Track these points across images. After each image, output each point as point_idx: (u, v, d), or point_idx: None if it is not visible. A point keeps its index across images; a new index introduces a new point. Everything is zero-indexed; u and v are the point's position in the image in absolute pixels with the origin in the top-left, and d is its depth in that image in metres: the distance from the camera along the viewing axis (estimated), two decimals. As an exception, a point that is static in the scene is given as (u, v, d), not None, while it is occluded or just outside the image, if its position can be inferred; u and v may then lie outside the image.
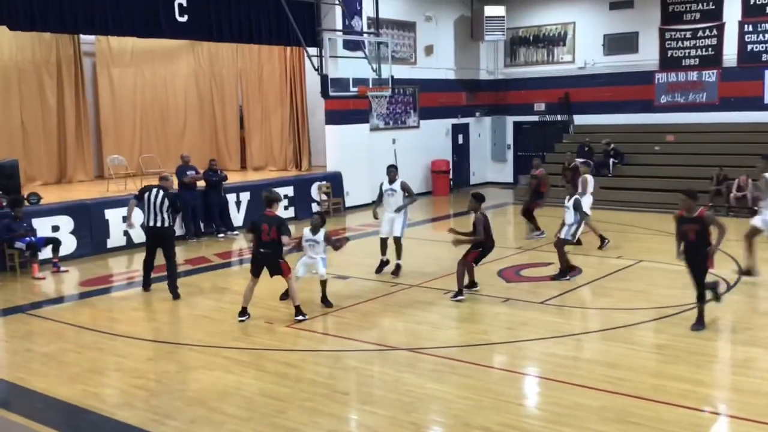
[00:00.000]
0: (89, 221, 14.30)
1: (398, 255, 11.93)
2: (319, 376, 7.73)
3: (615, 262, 12.63)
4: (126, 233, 14.68)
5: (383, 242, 12.09)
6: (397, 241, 11.88)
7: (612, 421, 6.34)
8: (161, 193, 11.01)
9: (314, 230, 9.98)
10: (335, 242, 10.30)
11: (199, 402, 7.02)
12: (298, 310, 9.59)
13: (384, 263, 12.12)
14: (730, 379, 7.57)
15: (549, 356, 8.17)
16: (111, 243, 14.59)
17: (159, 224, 10.99)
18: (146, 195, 11.09)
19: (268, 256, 9.52)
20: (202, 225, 16.02)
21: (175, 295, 10.97)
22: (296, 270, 9.97)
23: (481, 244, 10.42)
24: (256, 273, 9.67)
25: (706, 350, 8.25)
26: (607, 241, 13.92)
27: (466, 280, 10.60)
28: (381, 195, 12.11)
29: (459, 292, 10.41)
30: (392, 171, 12.11)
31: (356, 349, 8.61)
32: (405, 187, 11.98)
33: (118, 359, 8.38)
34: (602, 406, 6.68)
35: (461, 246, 10.47)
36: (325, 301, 10.18)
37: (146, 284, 11.53)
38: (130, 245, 14.68)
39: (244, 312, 9.69)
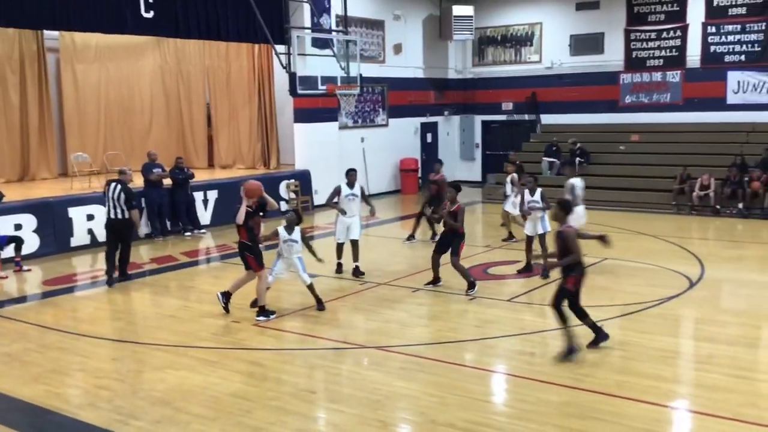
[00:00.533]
0: (52, 219, 14.08)
1: (356, 257, 11.86)
2: (287, 375, 7.71)
3: (580, 260, 12.74)
4: (90, 231, 14.50)
5: (340, 247, 12.02)
6: (355, 243, 11.82)
7: (575, 416, 6.43)
8: (119, 186, 11.65)
9: (290, 229, 9.70)
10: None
11: (165, 402, 6.96)
12: (262, 311, 9.51)
13: (341, 266, 12.03)
14: (692, 374, 7.71)
15: (515, 353, 8.25)
16: (75, 242, 14.39)
17: (118, 216, 11.61)
18: (106, 189, 11.80)
19: (239, 249, 9.65)
20: (168, 223, 15.87)
21: (125, 277, 11.80)
22: (277, 271, 9.82)
23: (462, 235, 10.52)
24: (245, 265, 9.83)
25: (668, 346, 8.39)
26: (513, 239, 14.31)
27: (431, 276, 10.78)
28: (333, 198, 11.84)
29: (471, 286, 10.53)
30: (352, 174, 11.89)
31: (324, 347, 8.60)
32: (363, 193, 11.95)
33: (82, 359, 8.28)
34: (566, 401, 6.77)
35: (430, 244, 10.54)
36: (319, 304, 9.90)
37: (110, 280, 11.57)
38: (94, 244, 14.49)
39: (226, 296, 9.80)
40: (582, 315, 8.00)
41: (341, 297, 10.66)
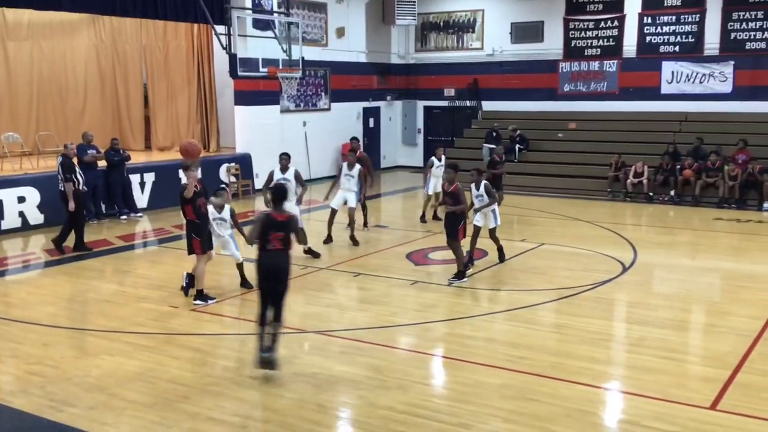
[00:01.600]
0: (-19, 202, 13.60)
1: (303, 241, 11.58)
2: (225, 361, 7.65)
3: (519, 245, 12.98)
4: (21, 214, 14.06)
5: None
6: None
7: (512, 398, 6.56)
8: (59, 159, 12.41)
9: (219, 208, 9.63)
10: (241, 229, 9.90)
11: (99, 388, 6.82)
12: (200, 295, 9.39)
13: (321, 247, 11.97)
14: (624, 356, 7.93)
15: (454, 337, 8.36)
16: (5, 225, 13.92)
17: (60, 188, 12.30)
18: None
19: (186, 229, 9.54)
20: (103, 206, 15.48)
21: (59, 249, 12.15)
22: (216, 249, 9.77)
23: (463, 216, 10.45)
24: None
25: (602, 329, 8.62)
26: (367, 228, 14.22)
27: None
28: (268, 183, 11.42)
29: (460, 275, 10.44)
30: (284, 159, 11.61)
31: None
32: (298, 177, 11.58)
33: (13, 345, 8.04)
34: (503, 383, 6.89)
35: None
36: (245, 284, 9.94)
37: (77, 246, 12.35)
38: (25, 227, 14.07)
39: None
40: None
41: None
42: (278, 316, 7.15)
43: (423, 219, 15.09)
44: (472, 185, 11.31)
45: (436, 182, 14.42)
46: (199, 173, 9.59)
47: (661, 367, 7.28)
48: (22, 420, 6.23)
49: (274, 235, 7.09)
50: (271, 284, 7.11)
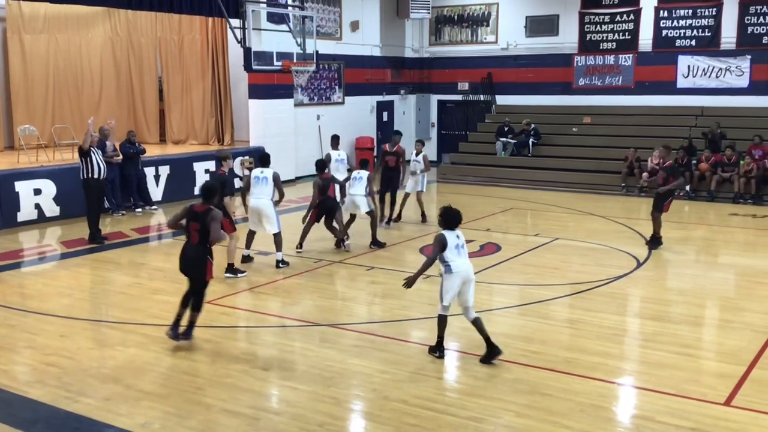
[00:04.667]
0: (-2, 194, 13.72)
1: (278, 247, 10.92)
2: (239, 353, 7.69)
3: (533, 239, 12.96)
4: (37, 206, 14.19)
5: (252, 235, 11.11)
6: (277, 236, 10.85)
7: (525, 392, 6.56)
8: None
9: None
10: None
11: (115, 379, 6.88)
12: (230, 268, 10.17)
13: (247, 258, 11.06)
14: (638, 352, 7.91)
15: (467, 331, 8.31)
16: (21, 217, 14.04)
17: (81, 176, 12.53)
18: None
19: None
20: (118, 199, 15.56)
21: (95, 239, 12.45)
22: None
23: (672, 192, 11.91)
24: None
25: (616, 324, 8.60)
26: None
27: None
28: (249, 182, 10.91)
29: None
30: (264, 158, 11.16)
31: (277, 325, 8.59)
32: (276, 179, 10.74)
33: (30, 336, 8.13)
34: (516, 378, 6.89)
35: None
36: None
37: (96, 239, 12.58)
38: (41, 219, 14.18)
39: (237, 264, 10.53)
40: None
41: (295, 275, 10.64)
42: (196, 305, 7.66)
43: (392, 220, 14.12)
44: (414, 152, 13.97)
45: (414, 182, 14.14)
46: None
47: (675, 363, 7.26)
48: (38, 410, 6.30)
49: (192, 226, 7.51)
50: (187, 274, 7.61)
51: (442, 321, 7.36)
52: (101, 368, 7.18)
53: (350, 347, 7.75)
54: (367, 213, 12.26)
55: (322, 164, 12.11)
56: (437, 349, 7.39)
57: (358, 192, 12.19)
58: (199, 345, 7.81)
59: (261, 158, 11.33)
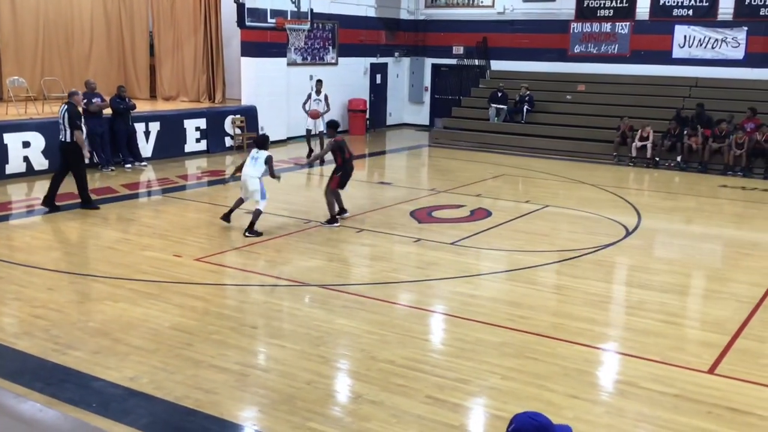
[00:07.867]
0: (-14, 146, 13.57)
1: (253, 219, 10.53)
2: (228, 311, 7.70)
3: (523, 206, 12.98)
4: (26, 159, 14.06)
5: (240, 202, 10.90)
6: (257, 212, 10.55)
7: (511, 356, 6.61)
8: (65, 107, 11.66)
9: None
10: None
11: (103, 333, 6.89)
12: (251, 228, 10.40)
13: (227, 215, 10.86)
14: (624, 319, 7.98)
15: (455, 294, 8.39)
16: (10, 169, 13.92)
17: (63, 139, 11.61)
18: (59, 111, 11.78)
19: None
20: (108, 154, 15.43)
21: (87, 203, 11.79)
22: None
23: (339, 168, 11.32)
24: None
25: (603, 292, 8.66)
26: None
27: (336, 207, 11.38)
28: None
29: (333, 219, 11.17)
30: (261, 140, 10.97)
31: (266, 284, 8.60)
32: (269, 162, 10.53)
33: (17, 288, 8.10)
34: (503, 342, 6.95)
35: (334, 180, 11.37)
36: (250, 230, 10.50)
37: (47, 200, 11.59)
38: (30, 172, 14.07)
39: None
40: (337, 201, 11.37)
41: (286, 234, 10.63)
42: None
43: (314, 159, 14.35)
44: (313, 92, 16.17)
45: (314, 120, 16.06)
46: None
47: (661, 331, 7.33)
48: (26, 361, 6.30)
49: None
50: None
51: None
52: (89, 322, 7.18)
53: (339, 308, 7.77)
54: (256, 206, 10.60)
55: (335, 124, 11.80)
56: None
57: (252, 174, 10.52)
58: (187, 302, 7.81)
59: (257, 141, 10.96)
